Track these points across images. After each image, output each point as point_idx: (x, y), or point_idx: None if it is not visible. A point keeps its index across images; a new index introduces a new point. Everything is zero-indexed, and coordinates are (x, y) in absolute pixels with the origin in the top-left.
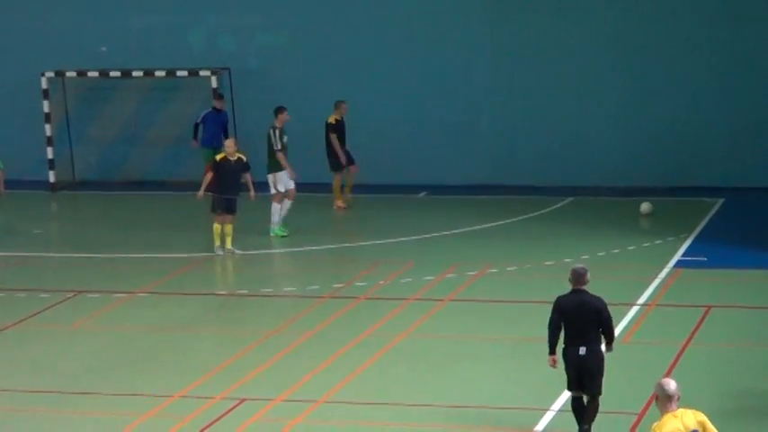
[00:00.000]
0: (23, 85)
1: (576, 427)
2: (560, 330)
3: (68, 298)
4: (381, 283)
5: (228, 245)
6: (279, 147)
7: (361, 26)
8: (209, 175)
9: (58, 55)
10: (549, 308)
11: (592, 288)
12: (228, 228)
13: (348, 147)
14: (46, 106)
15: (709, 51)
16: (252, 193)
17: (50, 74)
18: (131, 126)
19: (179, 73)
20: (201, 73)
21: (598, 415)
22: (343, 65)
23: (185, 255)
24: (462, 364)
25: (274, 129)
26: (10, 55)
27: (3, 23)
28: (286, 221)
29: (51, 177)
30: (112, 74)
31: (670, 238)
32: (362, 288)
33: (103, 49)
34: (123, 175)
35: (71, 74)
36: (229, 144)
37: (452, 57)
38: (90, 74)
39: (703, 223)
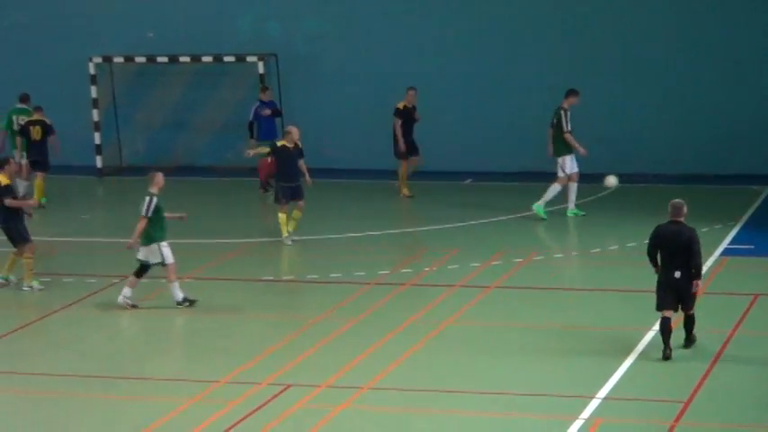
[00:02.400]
0: (71, 71)
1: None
2: (657, 251)
3: (115, 283)
4: (427, 269)
5: (291, 228)
6: (569, 128)
7: (408, 12)
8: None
9: (105, 40)
10: (595, 294)
11: (642, 273)
12: (298, 214)
13: (415, 136)
14: (93, 91)
15: (758, 36)
16: (308, 178)
17: (98, 59)
18: (178, 112)
19: (226, 59)
20: (248, 59)
21: (647, 403)
22: (390, 51)
23: (232, 240)
24: (508, 351)
25: (564, 111)
26: (58, 40)
27: (51, 9)
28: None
29: (99, 163)
30: (159, 59)
31: (717, 226)
32: (408, 275)
33: (150, 35)
34: (170, 161)
35: (118, 59)
36: (295, 131)
37: (498, 44)
38: (137, 59)
39: (751, 211)
